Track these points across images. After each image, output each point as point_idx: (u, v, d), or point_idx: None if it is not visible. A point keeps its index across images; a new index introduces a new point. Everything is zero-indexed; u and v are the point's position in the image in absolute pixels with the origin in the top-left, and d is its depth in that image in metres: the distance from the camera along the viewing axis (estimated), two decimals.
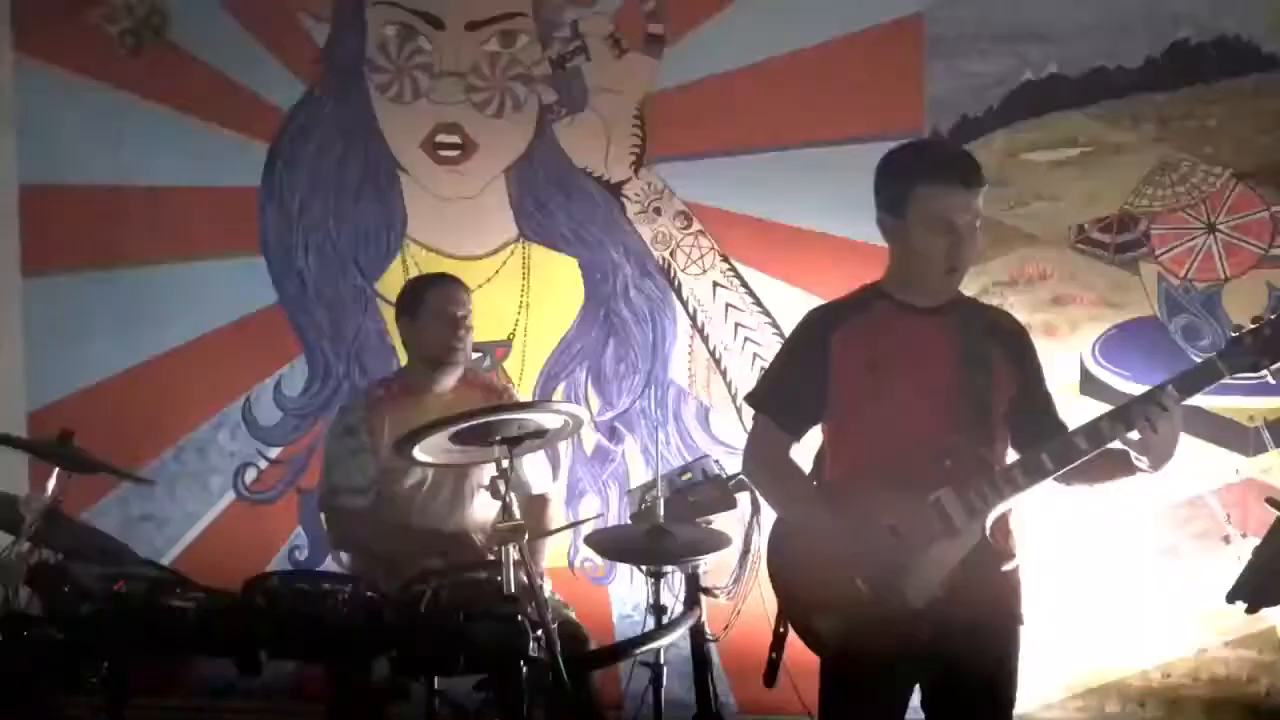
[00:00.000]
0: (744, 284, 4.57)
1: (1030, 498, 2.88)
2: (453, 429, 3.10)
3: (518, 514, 3.05)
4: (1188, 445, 2.95)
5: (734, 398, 4.56)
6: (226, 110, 4.75)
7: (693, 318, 4.61)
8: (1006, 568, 2.94)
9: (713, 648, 3.82)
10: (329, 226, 4.79)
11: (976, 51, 4.34)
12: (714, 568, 3.79)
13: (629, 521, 3.94)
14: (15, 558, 3.21)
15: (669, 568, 3.72)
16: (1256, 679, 4.27)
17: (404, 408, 3.78)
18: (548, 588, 3.72)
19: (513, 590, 2.98)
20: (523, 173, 4.68)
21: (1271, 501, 3.00)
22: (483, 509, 3.75)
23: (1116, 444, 2.80)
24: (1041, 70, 4.33)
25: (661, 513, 3.70)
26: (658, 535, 3.65)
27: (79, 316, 4.86)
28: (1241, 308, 4.15)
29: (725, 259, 4.58)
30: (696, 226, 4.59)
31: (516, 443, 3.12)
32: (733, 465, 3.81)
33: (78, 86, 4.81)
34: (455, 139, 4.69)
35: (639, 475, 4.57)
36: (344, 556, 3.90)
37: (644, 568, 3.81)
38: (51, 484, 3.36)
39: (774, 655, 3.06)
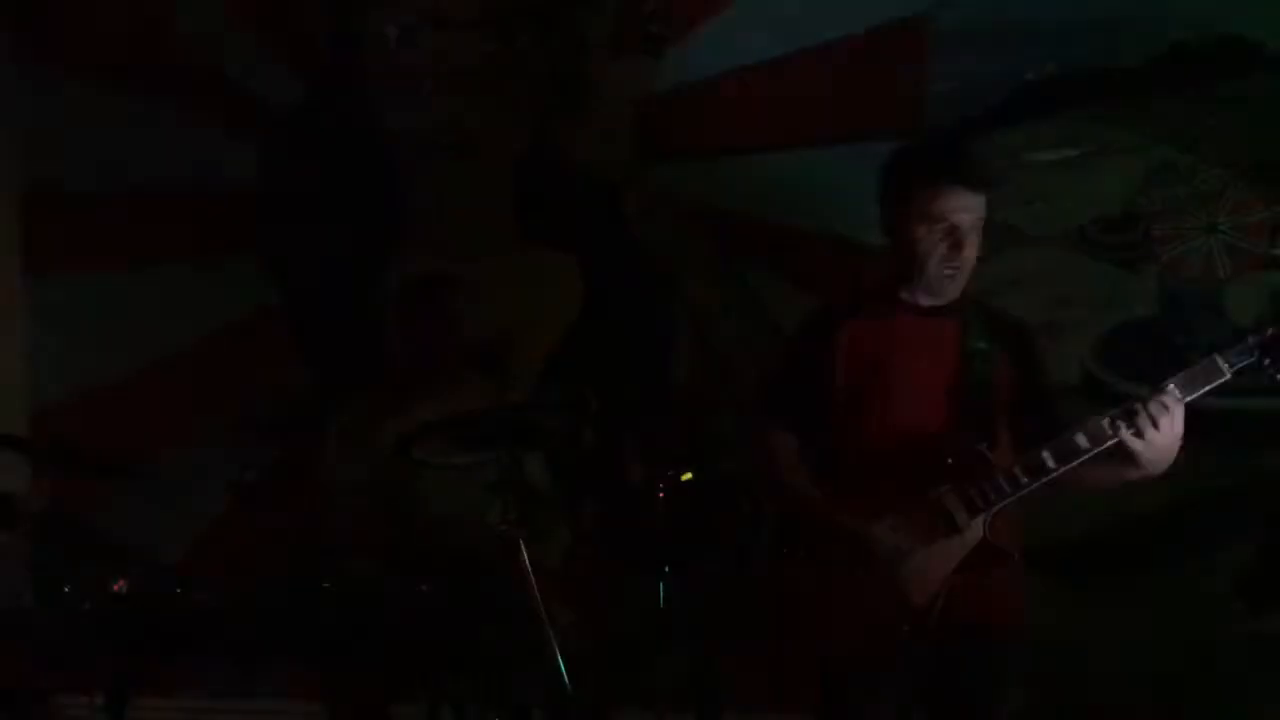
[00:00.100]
0: (744, 284, 4.57)
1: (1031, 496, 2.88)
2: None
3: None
4: None
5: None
6: (227, 110, 4.76)
7: (693, 317, 4.62)
8: (1008, 566, 2.94)
9: None
10: (329, 226, 4.79)
11: (976, 51, 4.34)
12: None
13: None
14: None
15: None
16: None
17: None
18: None
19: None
20: (523, 172, 4.68)
21: None
22: None
23: (1118, 443, 2.80)
24: (1041, 70, 4.33)
25: None
26: None
27: (80, 317, 4.86)
28: (1242, 308, 4.15)
29: (725, 259, 4.58)
30: (696, 226, 4.59)
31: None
32: None
33: (79, 86, 4.82)
34: (456, 139, 4.69)
35: None
36: None
37: None
38: (52, 484, 3.37)
39: None
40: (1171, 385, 2.78)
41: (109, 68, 4.83)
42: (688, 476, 3.82)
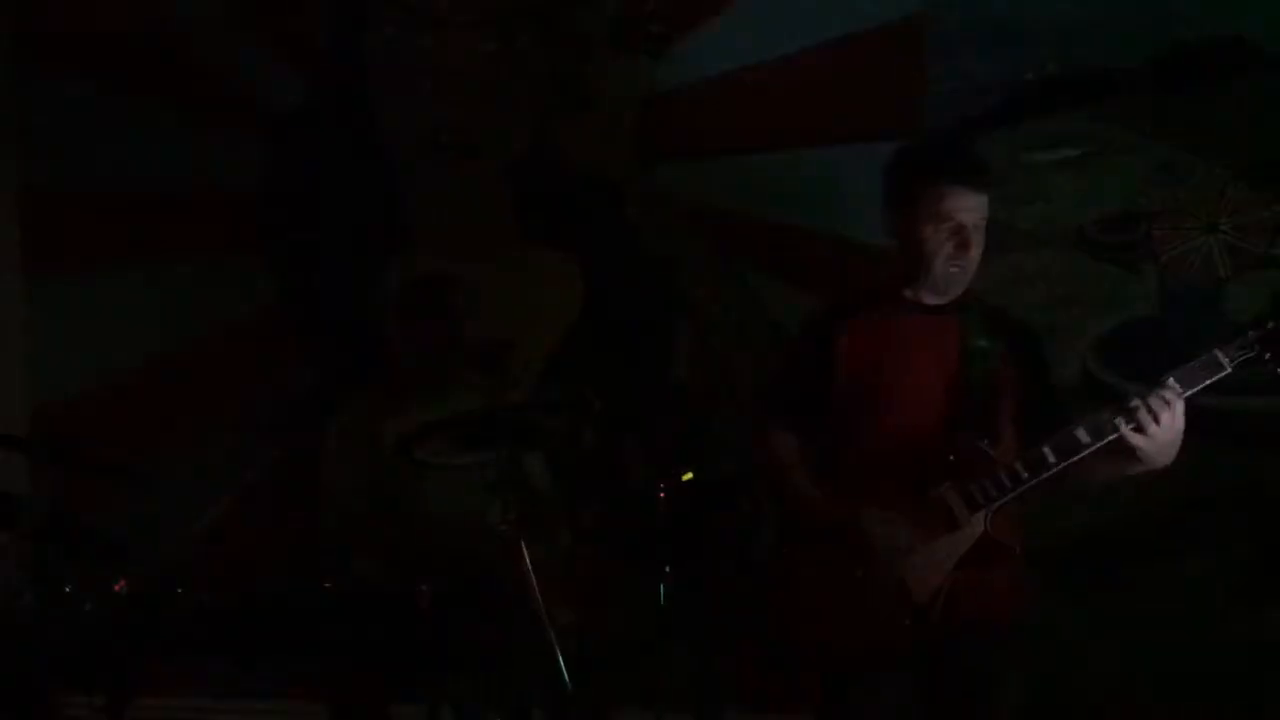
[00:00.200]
0: (744, 284, 4.57)
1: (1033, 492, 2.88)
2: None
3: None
4: None
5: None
6: (227, 110, 4.76)
7: (693, 318, 4.62)
8: (1009, 562, 2.94)
9: None
10: (330, 226, 4.80)
11: (976, 51, 4.35)
12: None
13: None
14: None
15: None
16: None
17: None
18: None
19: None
20: (523, 172, 4.68)
21: None
22: None
23: (1119, 438, 2.80)
24: (1041, 70, 4.33)
25: None
26: None
27: (81, 316, 4.86)
28: (1242, 308, 4.15)
29: (725, 259, 4.58)
30: (696, 226, 4.59)
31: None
32: None
33: (79, 86, 4.82)
34: (456, 139, 4.70)
35: None
36: None
37: None
38: (52, 484, 3.37)
39: None
40: (1172, 380, 2.78)
41: (109, 68, 4.83)
42: (688, 476, 3.82)
